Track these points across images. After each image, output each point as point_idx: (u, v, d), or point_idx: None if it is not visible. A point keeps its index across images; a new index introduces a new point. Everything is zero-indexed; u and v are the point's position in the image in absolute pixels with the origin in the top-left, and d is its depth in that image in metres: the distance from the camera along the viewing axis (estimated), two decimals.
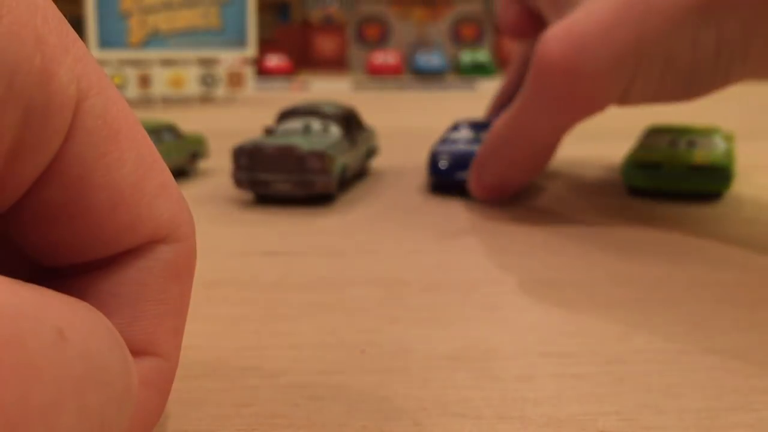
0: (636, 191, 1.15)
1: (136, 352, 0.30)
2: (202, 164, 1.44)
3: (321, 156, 0.97)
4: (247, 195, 1.19)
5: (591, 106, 0.77)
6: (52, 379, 0.20)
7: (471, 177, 0.97)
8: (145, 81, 2.84)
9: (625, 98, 0.76)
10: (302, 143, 0.93)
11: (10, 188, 0.26)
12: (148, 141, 0.33)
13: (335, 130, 1.07)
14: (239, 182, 0.97)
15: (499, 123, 0.89)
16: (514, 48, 1.18)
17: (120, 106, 0.31)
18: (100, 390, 0.22)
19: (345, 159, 1.07)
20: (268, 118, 2.57)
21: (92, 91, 0.29)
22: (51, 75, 0.26)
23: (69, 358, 0.21)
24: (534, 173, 0.95)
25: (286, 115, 1.08)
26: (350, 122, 1.14)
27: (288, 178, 0.94)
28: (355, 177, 1.24)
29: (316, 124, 1.03)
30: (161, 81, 2.87)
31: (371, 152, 1.34)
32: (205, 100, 3.07)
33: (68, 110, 0.27)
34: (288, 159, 0.92)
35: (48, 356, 0.20)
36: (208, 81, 2.95)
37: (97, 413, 0.22)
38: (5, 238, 0.31)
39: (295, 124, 1.04)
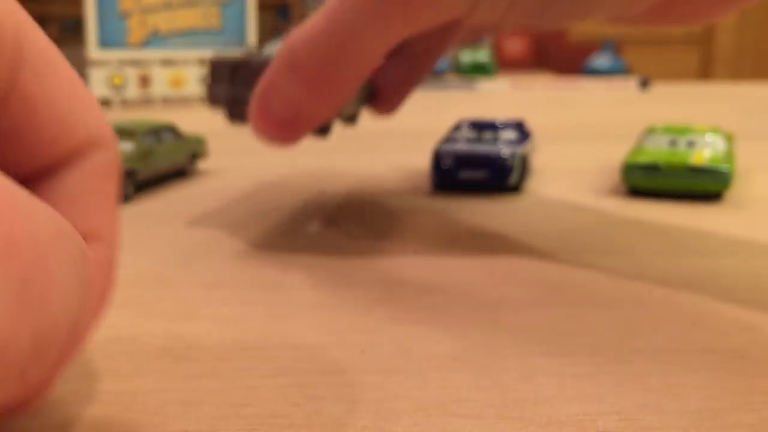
0: (636, 191, 1.15)
1: (87, 239, 0.38)
2: (202, 164, 1.45)
3: None
4: (248, 194, 1.20)
5: (433, 6, 0.59)
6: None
7: (253, 105, 0.69)
8: (145, 81, 2.83)
9: (471, 14, 0.62)
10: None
11: None
12: (71, 68, 0.39)
13: None
14: (214, 98, 0.82)
15: (299, 29, 0.65)
16: None
17: (45, 37, 0.37)
18: (67, 262, 0.29)
19: None
20: None
21: (29, 28, 0.35)
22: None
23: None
24: (340, 102, 0.67)
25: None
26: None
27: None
28: None
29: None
30: (161, 81, 2.87)
31: None
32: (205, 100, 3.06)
33: (14, 47, 0.33)
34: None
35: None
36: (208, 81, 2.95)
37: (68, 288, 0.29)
38: None
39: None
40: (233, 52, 0.82)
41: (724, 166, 1.09)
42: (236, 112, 0.79)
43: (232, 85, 0.80)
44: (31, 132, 0.36)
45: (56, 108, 0.36)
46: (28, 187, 0.37)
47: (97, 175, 0.39)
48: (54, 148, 0.37)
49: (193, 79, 2.94)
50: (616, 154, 1.46)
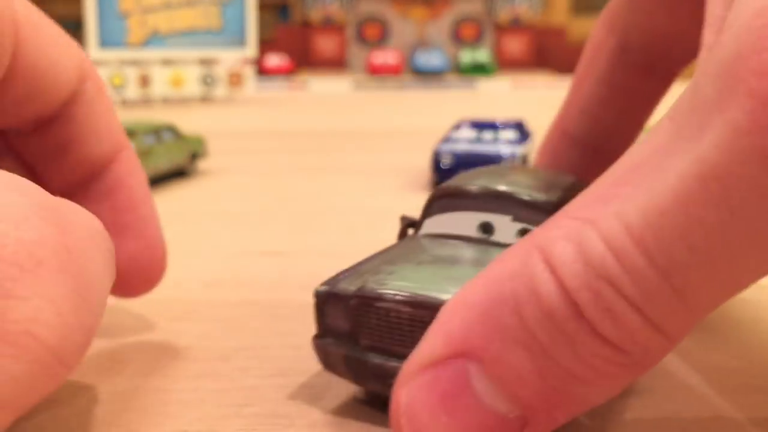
0: None
1: (119, 151, 0.52)
2: (202, 164, 1.45)
3: None
4: (248, 194, 1.20)
5: None
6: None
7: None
8: (145, 81, 2.84)
9: None
10: None
11: None
12: (47, 18, 0.49)
13: None
14: (327, 362, 0.47)
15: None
16: (595, 37, 0.63)
17: (29, 4, 0.47)
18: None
19: None
20: (268, 117, 2.58)
21: (18, 6, 0.44)
22: None
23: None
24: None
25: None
26: None
27: None
28: None
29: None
30: (161, 81, 2.88)
31: None
32: (205, 99, 3.07)
33: (11, 31, 0.42)
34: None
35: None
36: (208, 81, 2.95)
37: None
38: None
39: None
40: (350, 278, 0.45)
41: None
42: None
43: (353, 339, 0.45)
44: (39, 92, 0.46)
45: (54, 57, 0.46)
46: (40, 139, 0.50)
47: (98, 98, 0.50)
48: (57, 90, 0.47)
49: (193, 79, 2.95)
50: None
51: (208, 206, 1.09)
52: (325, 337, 0.45)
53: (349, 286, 0.44)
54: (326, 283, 0.45)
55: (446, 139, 1.29)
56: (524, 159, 1.22)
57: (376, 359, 0.43)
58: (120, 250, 0.51)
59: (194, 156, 1.36)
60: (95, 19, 2.74)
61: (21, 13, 0.44)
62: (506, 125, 1.32)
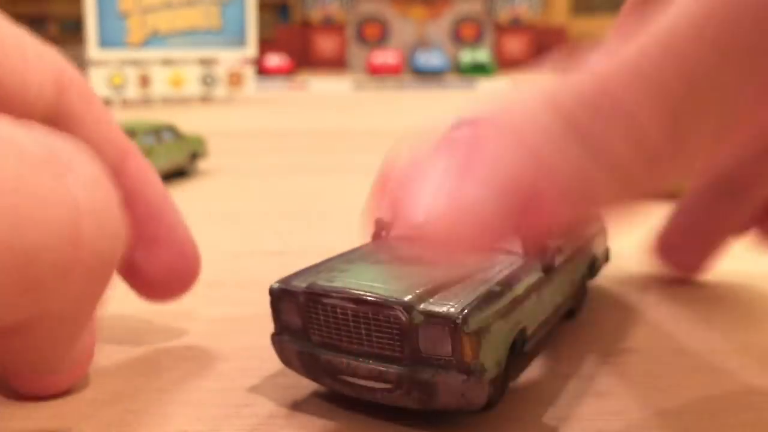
0: None
1: (124, 157, 0.49)
2: (202, 164, 1.45)
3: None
4: (248, 193, 1.20)
5: None
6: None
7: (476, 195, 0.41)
8: (144, 81, 2.84)
9: None
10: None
11: None
12: (16, 29, 0.45)
13: None
14: (285, 358, 0.48)
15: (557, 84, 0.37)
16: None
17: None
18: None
19: None
20: (268, 117, 2.57)
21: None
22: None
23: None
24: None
25: None
26: None
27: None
28: None
29: None
30: (161, 81, 2.88)
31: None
32: (205, 99, 3.07)
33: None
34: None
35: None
36: (207, 81, 2.95)
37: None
38: None
39: None
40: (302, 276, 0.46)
41: None
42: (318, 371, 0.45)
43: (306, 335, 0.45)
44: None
45: (10, 68, 0.42)
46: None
47: (84, 112, 0.45)
48: (24, 105, 0.42)
49: (193, 79, 2.95)
50: None
51: (208, 206, 1.09)
52: (282, 333, 0.46)
53: (301, 283, 0.45)
54: (281, 280, 0.46)
55: None
56: None
57: (326, 355, 0.44)
58: (154, 260, 0.50)
59: (194, 156, 1.36)
60: (95, 19, 2.74)
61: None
62: None
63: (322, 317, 0.44)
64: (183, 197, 1.16)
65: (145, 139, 1.24)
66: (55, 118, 0.43)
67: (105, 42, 2.76)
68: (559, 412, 0.46)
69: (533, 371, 0.52)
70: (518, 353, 0.47)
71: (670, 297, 0.68)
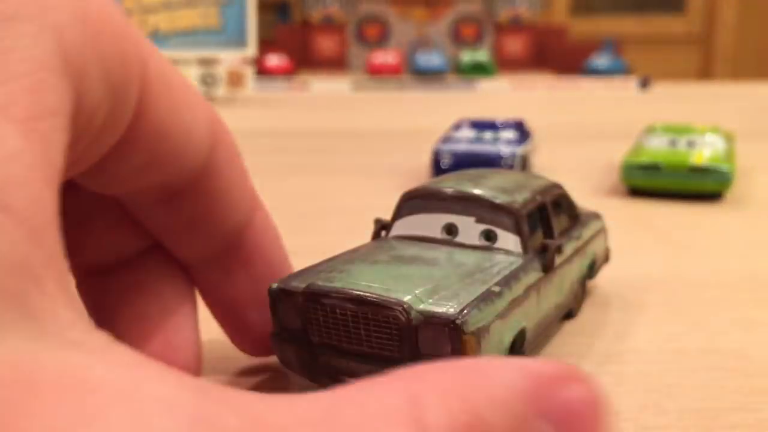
0: (636, 191, 1.15)
1: (252, 205, 0.46)
2: None
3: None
4: None
5: None
6: None
7: None
8: None
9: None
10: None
11: (95, 153, 0.34)
12: (183, 76, 0.42)
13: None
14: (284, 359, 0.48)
15: None
16: None
17: (164, 59, 0.40)
18: None
19: None
20: (268, 117, 2.57)
21: (150, 56, 0.37)
22: (125, 54, 0.34)
23: None
24: None
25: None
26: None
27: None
28: None
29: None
30: None
31: None
32: (205, 99, 3.06)
33: (138, 82, 0.35)
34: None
35: None
36: (208, 81, 2.95)
37: None
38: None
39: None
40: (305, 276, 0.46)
41: (724, 166, 1.09)
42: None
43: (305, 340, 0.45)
44: (169, 141, 0.38)
45: (180, 118, 0.38)
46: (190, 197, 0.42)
47: (230, 168, 0.43)
48: (186, 159, 0.40)
49: (193, 79, 2.95)
50: (615, 154, 1.46)
51: None
52: (281, 333, 0.46)
53: (300, 284, 0.44)
54: (280, 280, 0.46)
55: (446, 139, 1.29)
56: (524, 159, 1.22)
57: (325, 356, 0.44)
58: (265, 321, 0.47)
59: None
60: None
61: (153, 65, 0.38)
62: (506, 125, 1.32)
63: (321, 318, 0.44)
64: None
65: None
66: (204, 173, 0.41)
67: None
68: None
69: None
70: (517, 354, 0.47)
71: (670, 297, 0.68)
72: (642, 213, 1.03)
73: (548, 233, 0.54)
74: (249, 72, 3.03)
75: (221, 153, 0.42)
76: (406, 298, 0.41)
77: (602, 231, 0.66)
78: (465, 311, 0.40)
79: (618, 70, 4.27)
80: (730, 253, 0.83)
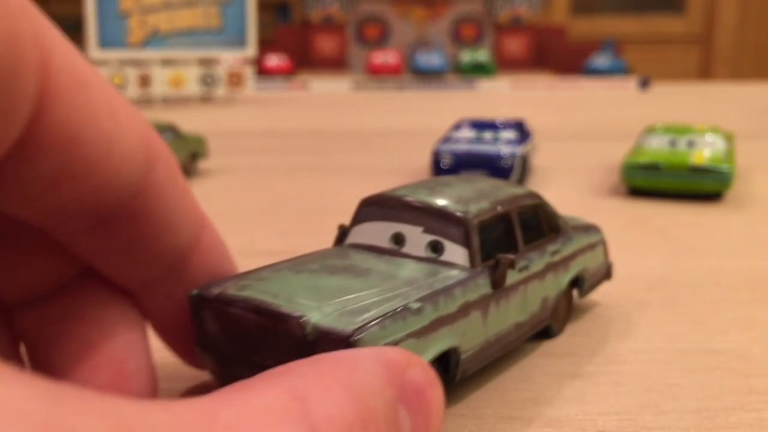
0: (636, 191, 1.15)
1: (198, 225, 0.43)
2: (202, 164, 1.45)
3: None
4: (248, 193, 1.20)
5: None
6: None
7: None
8: (145, 81, 2.84)
9: None
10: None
11: None
12: (107, 82, 0.36)
13: None
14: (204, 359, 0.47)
15: None
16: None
17: (78, 55, 0.34)
18: None
19: None
20: (268, 117, 2.57)
21: (56, 46, 0.32)
22: (15, 33, 0.28)
23: None
24: None
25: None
26: None
27: None
28: None
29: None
30: (161, 81, 2.87)
31: None
32: (205, 99, 3.07)
33: (33, 70, 0.30)
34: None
35: None
36: (208, 81, 2.95)
37: None
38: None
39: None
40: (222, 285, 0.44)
41: (724, 166, 1.09)
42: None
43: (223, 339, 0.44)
44: (78, 176, 0.34)
45: (96, 124, 0.34)
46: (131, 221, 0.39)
47: (170, 187, 0.39)
48: (118, 167, 0.35)
49: (193, 79, 2.95)
50: (615, 154, 1.46)
51: (209, 206, 1.09)
52: (204, 341, 0.44)
53: (216, 290, 0.42)
54: (202, 286, 0.43)
55: (446, 139, 1.29)
56: (525, 158, 1.22)
57: (237, 367, 0.42)
58: None
59: (195, 156, 1.37)
60: (95, 19, 2.74)
61: (59, 56, 0.32)
62: (506, 125, 1.32)
63: (231, 327, 0.42)
64: None
65: None
66: (139, 192, 0.37)
67: (105, 42, 2.76)
68: (559, 411, 0.47)
69: (533, 371, 0.52)
70: (451, 375, 0.44)
71: (670, 297, 0.68)
72: (642, 213, 1.03)
73: (511, 246, 0.51)
74: (249, 72, 3.04)
75: (160, 173, 0.38)
76: (305, 311, 0.39)
77: (598, 245, 0.62)
78: (364, 328, 0.38)
79: (618, 70, 4.27)
80: (730, 253, 0.83)
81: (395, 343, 0.39)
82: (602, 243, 0.63)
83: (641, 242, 0.88)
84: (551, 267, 0.54)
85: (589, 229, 0.62)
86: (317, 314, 0.39)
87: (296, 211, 1.05)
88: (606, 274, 0.64)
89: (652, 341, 0.58)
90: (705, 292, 0.69)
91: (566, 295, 0.58)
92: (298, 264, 0.47)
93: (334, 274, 0.45)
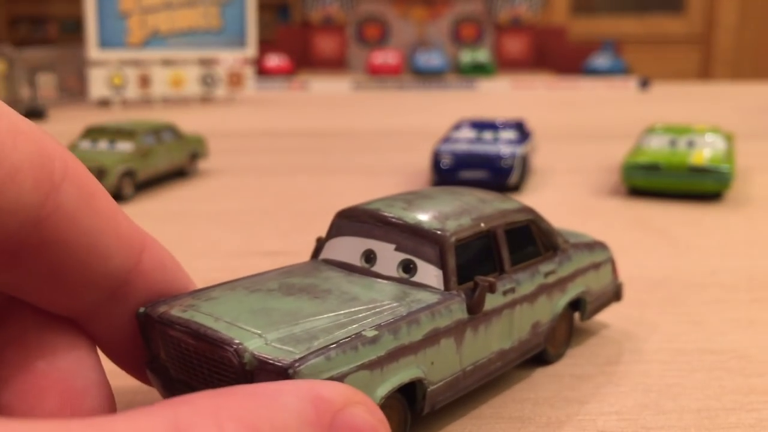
0: (636, 191, 1.15)
1: (142, 251, 0.40)
2: (202, 164, 1.45)
3: None
4: (248, 193, 1.20)
5: None
6: None
7: None
8: (145, 81, 2.84)
9: None
10: None
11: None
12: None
13: None
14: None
15: None
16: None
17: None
18: None
19: None
20: (268, 118, 2.57)
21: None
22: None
23: None
24: None
25: None
26: None
27: None
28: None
29: None
30: (161, 81, 2.87)
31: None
32: (205, 100, 3.07)
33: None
34: None
35: None
36: (208, 81, 2.95)
37: None
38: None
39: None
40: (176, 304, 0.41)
41: (724, 166, 1.09)
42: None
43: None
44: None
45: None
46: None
47: (84, 207, 0.36)
48: (13, 190, 0.33)
49: (193, 79, 2.95)
50: (616, 154, 1.46)
51: (209, 206, 1.09)
52: (153, 362, 0.41)
53: (161, 310, 0.40)
54: (150, 304, 0.40)
55: (446, 139, 1.29)
56: (525, 159, 1.22)
57: (180, 392, 0.37)
58: None
59: (194, 156, 1.37)
60: (95, 19, 2.74)
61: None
62: (506, 125, 1.32)
63: (172, 350, 0.39)
64: (183, 197, 1.16)
65: (145, 139, 1.24)
66: (42, 217, 0.33)
67: (105, 42, 2.76)
68: (559, 412, 0.47)
69: (533, 371, 0.52)
70: (417, 408, 0.41)
71: (670, 297, 0.68)
72: (642, 213, 1.03)
73: (495, 267, 0.47)
74: (249, 72, 3.03)
75: (68, 195, 0.34)
76: (245, 339, 0.36)
77: (604, 264, 0.57)
78: (305, 359, 0.35)
79: (618, 70, 4.27)
80: (730, 253, 0.83)
81: (343, 376, 0.35)
82: (610, 262, 0.58)
83: (641, 242, 0.88)
84: (544, 289, 0.50)
85: (594, 246, 0.57)
86: (258, 342, 0.36)
87: (296, 211, 1.05)
88: (614, 295, 0.59)
89: (652, 341, 0.58)
90: (705, 293, 0.69)
91: (565, 318, 0.53)
92: (257, 282, 0.43)
93: (290, 295, 0.41)
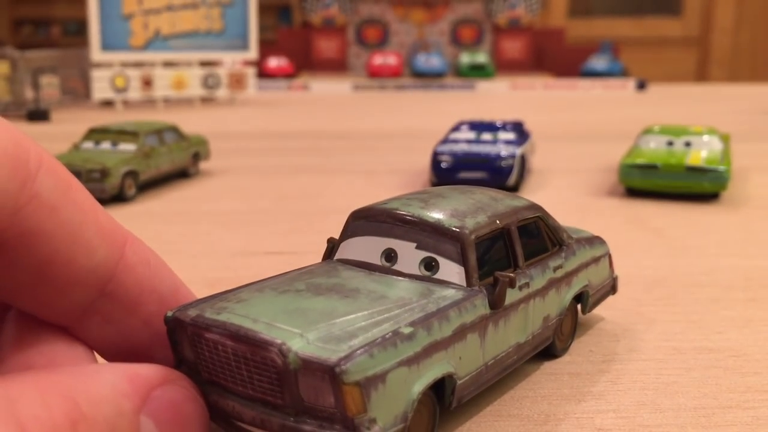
0: (633, 191, 1.16)
1: (117, 244, 0.38)
2: (204, 165, 1.45)
3: None
4: (249, 194, 1.20)
5: None
6: None
7: None
8: (147, 83, 2.84)
9: None
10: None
11: None
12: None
13: None
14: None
15: None
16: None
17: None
18: None
19: None
20: (269, 119, 2.58)
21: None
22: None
23: None
24: None
25: None
26: None
27: None
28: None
29: None
30: (163, 83, 2.88)
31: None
32: (207, 101, 3.08)
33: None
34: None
35: None
36: (209, 82, 2.96)
37: None
38: None
39: None
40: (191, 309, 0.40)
41: (721, 167, 1.10)
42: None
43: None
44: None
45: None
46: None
47: (62, 201, 0.35)
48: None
49: (194, 81, 2.95)
50: (613, 155, 1.47)
51: (210, 206, 1.10)
52: (181, 366, 0.41)
53: (194, 313, 0.39)
54: (179, 307, 0.39)
55: (446, 140, 1.30)
56: (524, 159, 1.23)
57: (214, 395, 0.39)
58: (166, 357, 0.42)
59: (196, 157, 1.37)
60: (98, 21, 2.74)
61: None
62: (505, 126, 1.33)
63: (206, 353, 0.39)
64: (185, 197, 1.17)
65: (147, 140, 1.24)
66: (22, 203, 0.32)
67: (108, 44, 2.76)
68: (557, 409, 0.47)
69: (530, 369, 0.53)
70: (447, 402, 0.42)
71: (667, 296, 0.69)
72: (639, 213, 1.04)
73: (511, 263, 0.48)
74: (250, 74, 3.04)
75: (46, 185, 0.33)
76: (287, 338, 0.36)
77: (603, 258, 0.60)
78: (350, 357, 0.35)
79: (615, 72, 4.27)
80: (726, 253, 0.84)
81: (385, 373, 0.36)
82: (607, 256, 0.60)
83: (638, 242, 0.89)
84: (553, 283, 0.51)
85: (594, 241, 0.59)
86: (300, 341, 0.36)
87: (297, 211, 1.05)
88: (611, 288, 0.62)
89: (649, 340, 0.58)
90: (702, 292, 0.70)
91: (570, 311, 0.55)
92: (283, 283, 0.44)
93: (320, 295, 0.41)
